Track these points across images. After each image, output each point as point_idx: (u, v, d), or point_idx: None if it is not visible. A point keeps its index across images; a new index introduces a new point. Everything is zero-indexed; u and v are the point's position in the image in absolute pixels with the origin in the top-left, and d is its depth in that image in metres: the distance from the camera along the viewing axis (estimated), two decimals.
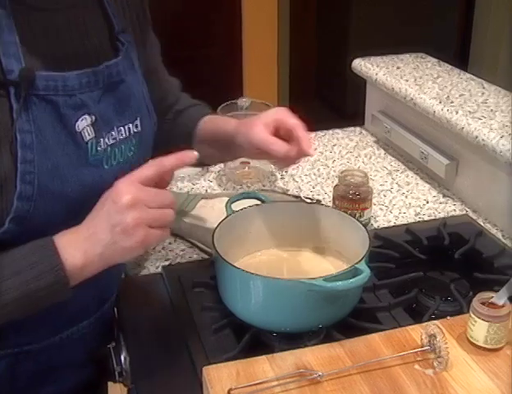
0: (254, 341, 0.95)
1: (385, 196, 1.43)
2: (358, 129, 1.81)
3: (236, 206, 1.08)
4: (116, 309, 1.11)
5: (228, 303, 0.98)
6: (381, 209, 1.37)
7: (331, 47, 3.74)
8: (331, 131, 1.78)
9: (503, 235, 1.26)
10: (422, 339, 0.86)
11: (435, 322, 0.85)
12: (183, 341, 0.98)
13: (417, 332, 0.88)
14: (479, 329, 0.85)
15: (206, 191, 1.46)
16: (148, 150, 1.02)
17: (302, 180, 1.51)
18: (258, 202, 1.11)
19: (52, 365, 1.00)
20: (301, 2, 3.69)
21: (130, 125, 0.95)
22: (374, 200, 1.34)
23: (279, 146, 1.03)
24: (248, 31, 3.59)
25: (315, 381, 0.80)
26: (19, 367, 0.97)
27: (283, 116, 1.06)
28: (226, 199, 1.26)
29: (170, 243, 1.25)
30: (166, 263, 1.19)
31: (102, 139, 0.90)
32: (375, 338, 0.88)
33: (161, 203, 0.83)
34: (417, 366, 0.83)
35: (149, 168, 0.85)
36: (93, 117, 0.88)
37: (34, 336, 0.96)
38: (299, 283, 0.89)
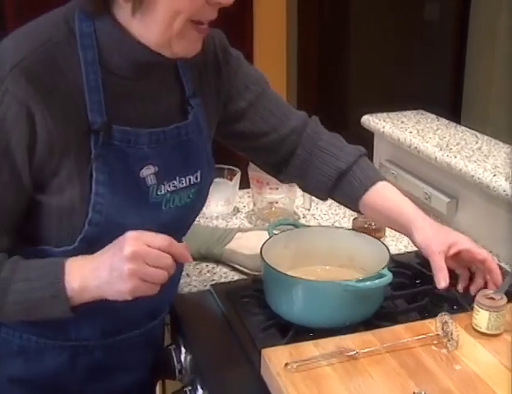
0: (296, 338, 1.14)
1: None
2: None
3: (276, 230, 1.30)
4: (172, 320, 1.31)
5: (274, 305, 1.18)
6: (392, 240, 1.58)
7: (335, 104, 3.98)
8: None
9: (499, 260, 1.47)
10: (436, 327, 1.06)
11: (447, 313, 1.06)
12: (235, 339, 1.17)
13: (432, 324, 1.08)
14: (482, 318, 1.06)
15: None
16: (204, 198, 1.18)
17: (321, 218, 1.72)
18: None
19: (106, 364, 1.17)
20: (306, 69, 3.96)
21: (191, 177, 1.11)
22: (386, 233, 1.56)
23: (442, 278, 1.13)
24: None
25: (353, 357, 1.01)
26: (77, 360, 1.14)
27: (472, 248, 1.18)
28: (259, 231, 1.49)
29: (213, 267, 1.46)
30: (212, 282, 1.39)
31: (162, 186, 1.06)
32: (398, 328, 1.09)
33: (158, 264, 0.94)
34: (433, 347, 1.04)
35: (162, 240, 0.96)
36: (157, 168, 1.04)
37: (90, 334, 1.13)
38: (335, 284, 1.10)
